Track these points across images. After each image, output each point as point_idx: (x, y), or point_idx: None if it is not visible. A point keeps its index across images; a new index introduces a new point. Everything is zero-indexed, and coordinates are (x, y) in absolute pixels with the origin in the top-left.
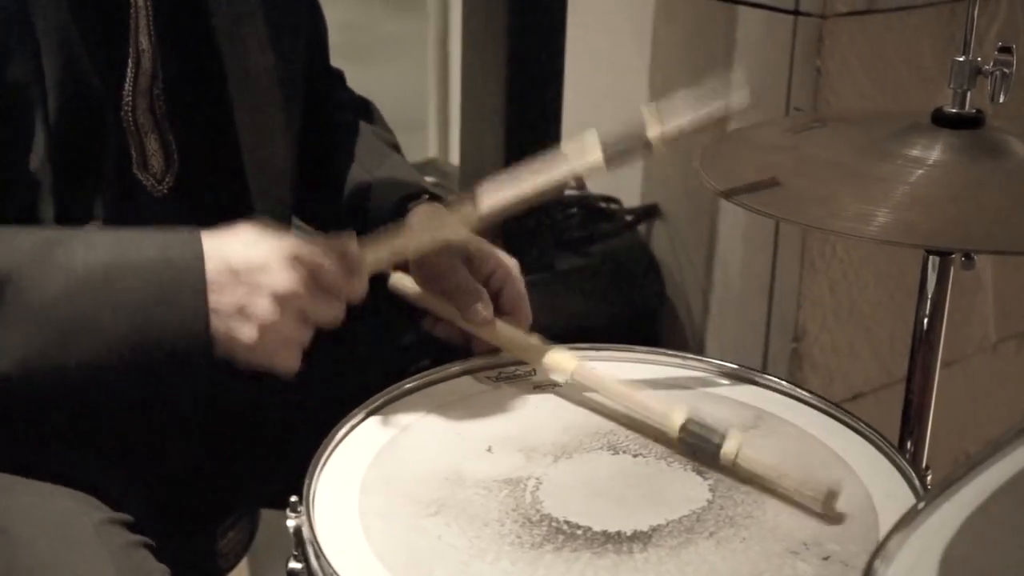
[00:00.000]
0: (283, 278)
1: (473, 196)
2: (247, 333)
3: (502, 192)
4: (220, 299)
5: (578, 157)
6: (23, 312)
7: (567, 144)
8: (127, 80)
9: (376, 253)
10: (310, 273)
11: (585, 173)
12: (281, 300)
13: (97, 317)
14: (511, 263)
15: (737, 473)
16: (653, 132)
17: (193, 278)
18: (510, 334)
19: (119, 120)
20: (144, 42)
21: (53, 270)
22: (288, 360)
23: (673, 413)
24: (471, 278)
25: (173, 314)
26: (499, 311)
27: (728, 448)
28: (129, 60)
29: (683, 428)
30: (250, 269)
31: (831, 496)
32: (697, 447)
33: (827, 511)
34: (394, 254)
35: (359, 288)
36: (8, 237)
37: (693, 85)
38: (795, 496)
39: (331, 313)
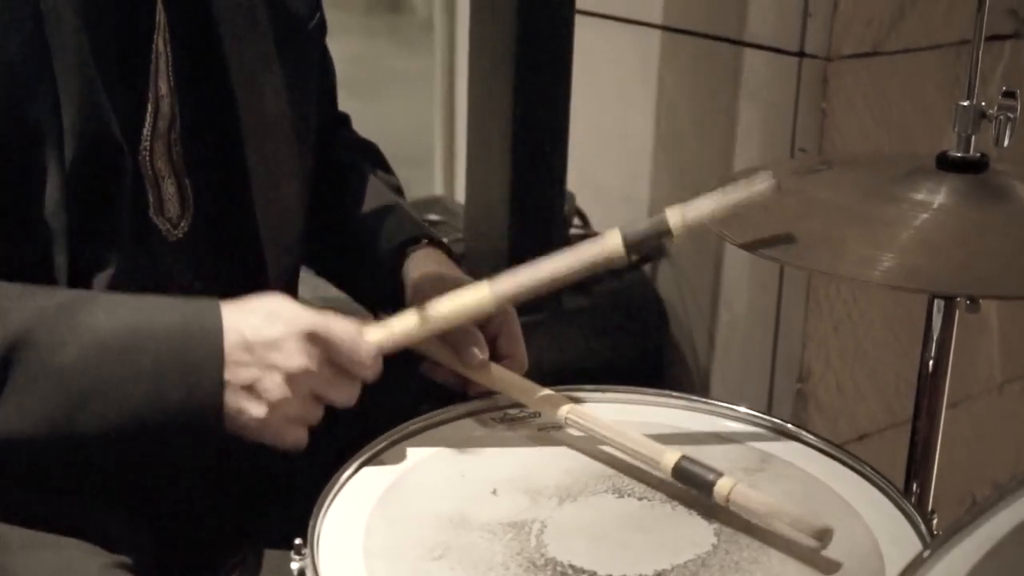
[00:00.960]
0: (296, 357)
1: (494, 278)
2: (256, 411)
3: (516, 282)
4: (234, 375)
5: (600, 248)
6: (42, 374)
7: (588, 242)
8: (146, 125)
9: (392, 334)
10: (325, 352)
11: (606, 263)
12: (292, 380)
13: (114, 383)
14: (508, 309)
15: (731, 512)
16: (675, 222)
17: (211, 351)
18: (506, 377)
19: (137, 165)
20: (164, 87)
21: (73, 333)
22: (295, 439)
23: (667, 453)
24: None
25: (189, 386)
26: (496, 355)
27: (722, 485)
28: (148, 105)
29: (676, 467)
30: (265, 346)
31: (824, 533)
32: (692, 484)
33: (821, 546)
34: (412, 338)
35: (375, 370)
36: (30, 296)
37: (718, 182)
38: (788, 534)
39: (345, 393)
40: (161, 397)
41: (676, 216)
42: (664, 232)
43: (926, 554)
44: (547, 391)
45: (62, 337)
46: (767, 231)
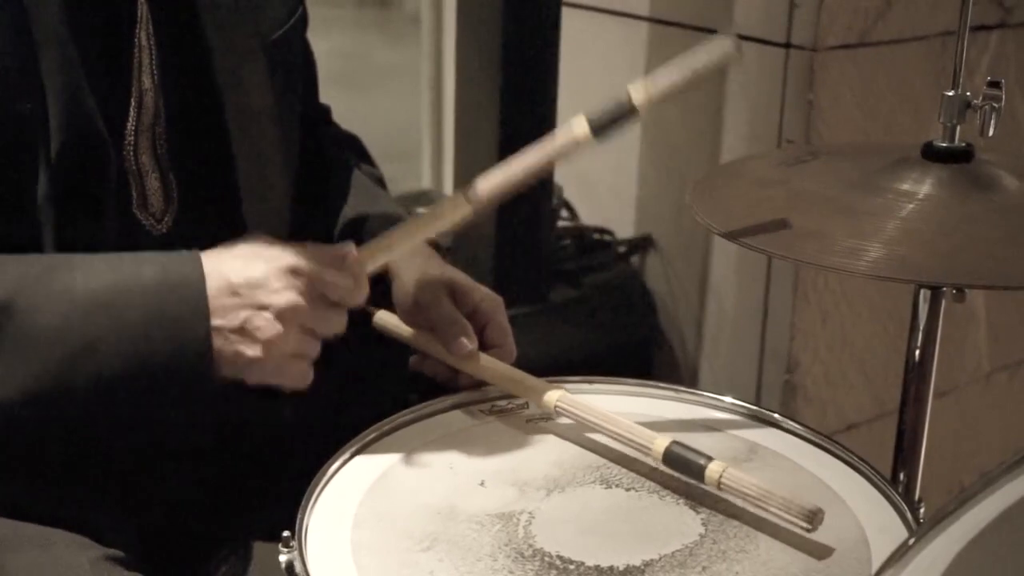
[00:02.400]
0: (283, 293)
1: (466, 185)
2: (252, 351)
3: (494, 179)
4: (223, 320)
5: (566, 135)
6: (25, 340)
7: (555, 131)
8: (130, 119)
9: (373, 255)
10: (309, 284)
11: (575, 149)
12: (282, 315)
13: (99, 342)
14: (495, 298)
15: (722, 497)
16: (639, 97)
17: (195, 299)
18: (495, 367)
19: (121, 159)
20: (147, 82)
21: (54, 297)
22: (298, 374)
23: (657, 439)
24: (456, 311)
25: (176, 336)
26: (484, 345)
27: (713, 468)
28: (132, 99)
29: (667, 451)
30: (250, 286)
31: (814, 516)
32: (682, 469)
33: (812, 528)
34: (393, 252)
35: (360, 294)
36: (6, 265)
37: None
38: (780, 516)
39: (334, 322)
40: (150, 351)
41: (639, 91)
42: (629, 109)
43: (911, 541)
44: (536, 380)
45: (44, 302)
46: (755, 221)
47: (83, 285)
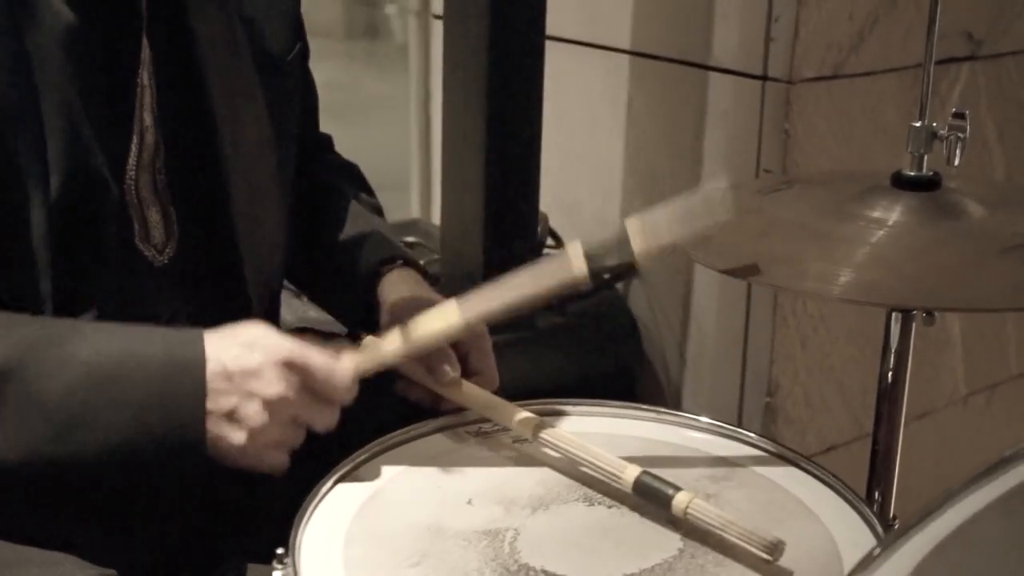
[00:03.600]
0: (274, 385)
1: (464, 298)
2: (237, 437)
3: (485, 303)
4: (215, 403)
5: (563, 271)
6: (27, 405)
7: (552, 256)
8: (131, 156)
9: (368, 360)
10: (303, 379)
11: (570, 287)
12: (271, 406)
13: (99, 413)
14: (479, 326)
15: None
16: (639, 248)
17: (193, 381)
18: (476, 394)
19: (123, 194)
20: (148, 119)
21: (59, 363)
22: (275, 462)
23: (628, 469)
24: None
25: (172, 414)
26: (467, 372)
27: (679, 499)
28: (134, 136)
29: (637, 482)
30: (244, 374)
31: (775, 548)
32: (651, 499)
33: (773, 559)
34: (387, 362)
35: (351, 394)
36: (16, 327)
37: (674, 192)
38: (743, 545)
39: (323, 418)
40: (145, 426)
41: (637, 232)
42: (628, 254)
43: (876, 551)
44: (516, 408)
45: (48, 369)
46: (734, 251)
47: (88, 356)
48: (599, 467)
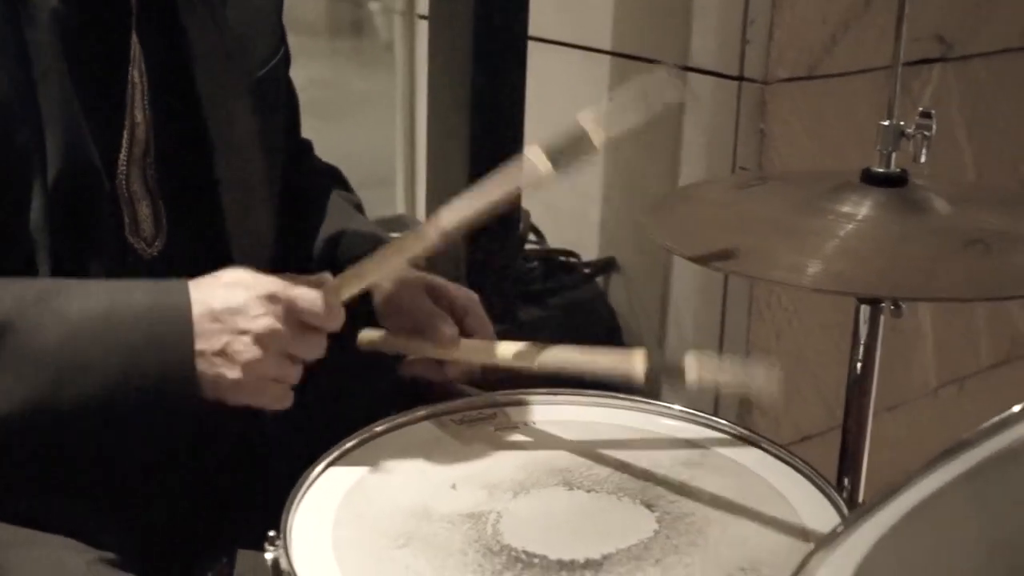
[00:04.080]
0: (261, 319)
1: (431, 218)
2: (232, 373)
3: (458, 210)
4: (205, 344)
5: (529, 172)
6: (23, 357)
7: (514, 161)
8: (122, 151)
9: (348, 283)
10: (287, 310)
11: (537, 184)
12: (260, 340)
13: (91, 362)
14: (470, 293)
15: (672, 499)
16: (597, 138)
17: (180, 325)
18: (475, 345)
19: (114, 188)
20: (139, 115)
21: (51, 317)
22: (276, 396)
23: (635, 352)
24: (434, 306)
25: (162, 359)
26: (465, 336)
27: (689, 360)
28: (125, 132)
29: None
30: (231, 313)
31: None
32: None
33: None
34: (365, 280)
35: (336, 319)
36: (8, 286)
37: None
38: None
39: (312, 347)
40: (138, 372)
41: (591, 123)
42: (584, 142)
43: (840, 528)
44: (516, 344)
45: (41, 322)
46: (710, 244)
47: (78, 309)
48: (605, 364)
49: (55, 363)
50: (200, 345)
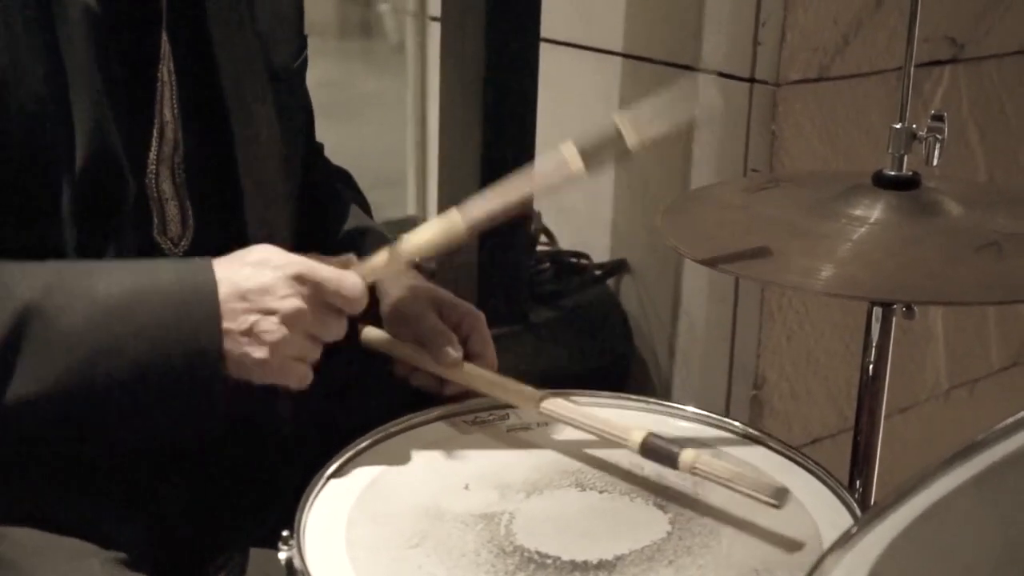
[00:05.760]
0: (288, 299)
1: (461, 204)
2: (259, 353)
3: (487, 201)
4: (232, 323)
5: (559, 167)
6: (52, 341)
7: (547, 157)
8: (152, 150)
9: (373, 266)
10: (313, 291)
11: (567, 181)
12: (287, 319)
13: (120, 342)
14: (476, 312)
15: (690, 495)
16: (631, 140)
17: (207, 304)
18: (478, 373)
19: (143, 187)
20: (168, 114)
21: (78, 299)
22: (299, 375)
23: (635, 431)
24: (441, 323)
25: (190, 338)
26: (467, 356)
27: (686, 455)
28: (154, 131)
29: (644, 442)
30: (258, 292)
31: (780, 493)
32: (658, 458)
33: (780, 504)
34: (390, 264)
35: (360, 302)
36: (33, 270)
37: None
38: (750, 493)
39: (335, 327)
40: (165, 351)
41: (626, 125)
42: (620, 144)
43: (854, 529)
44: (520, 384)
45: (68, 304)
46: (722, 247)
47: (105, 290)
48: (606, 432)
49: (83, 345)
50: (227, 324)
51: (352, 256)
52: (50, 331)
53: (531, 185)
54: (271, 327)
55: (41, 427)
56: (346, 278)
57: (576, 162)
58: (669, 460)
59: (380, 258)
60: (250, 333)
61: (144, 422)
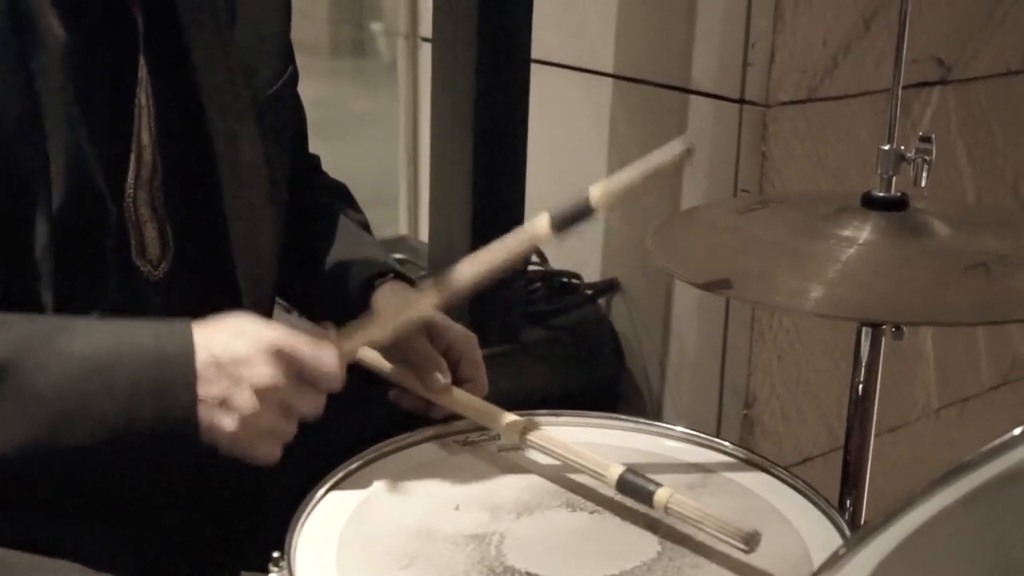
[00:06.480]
0: (264, 372)
1: (438, 276)
2: (228, 424)
3: (464, 270)
4: (206, 391)
5: (529, 235)
6: (24, 398)
7: (517, 229)
8: (129, 174)
9: (352, 342)
10: (291, 366)
11: (537, 243)
12: (261, 393)
13: (93, 403)
14: (469, 335)
15: (672, 522)
16: (595, 195)
17: (184, 370)
18: (468, 401)
19: (121, 210)
20: (146, 138)
21: (53, 357)
22: (267, 451)
23: (611, 467)
24: (431, 348)
25: (164, 403)
26: (458, 380)
27: (660, 495)
28: (132, 155)
29: (620, 479)
30: (234, 362)
31: (752, 538)
32: (633, 495)
33: (749, 549)
34: (370, 341)
35: (336, 378)
36: (12, 324)
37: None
38: (719, 536)
39: (311, 404)
40: (138, 415)
41: (598, 190)
42: (588, 208)
43: (842, 551)
44: (505, 413)
45: (42, 363)
46: (711, 268)
47: (81, 349)
48: (584, 466)
49: (56, 404)
50: (202, 391)
51: (330, 327)
52: (24, 388)
53: (503, 255)
54: (243, 399)
55: (10, 480)
56: (324, 355)
57: (543, 226)
58: (644, 498)
59: (360, 333)
60: (222, 404)
61: (116, 476)
